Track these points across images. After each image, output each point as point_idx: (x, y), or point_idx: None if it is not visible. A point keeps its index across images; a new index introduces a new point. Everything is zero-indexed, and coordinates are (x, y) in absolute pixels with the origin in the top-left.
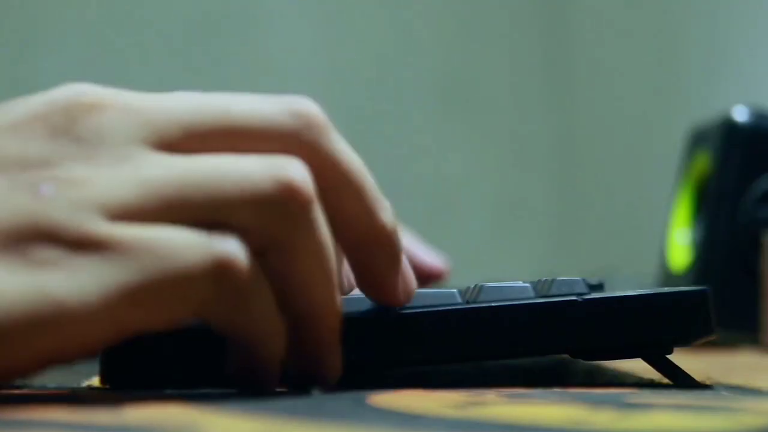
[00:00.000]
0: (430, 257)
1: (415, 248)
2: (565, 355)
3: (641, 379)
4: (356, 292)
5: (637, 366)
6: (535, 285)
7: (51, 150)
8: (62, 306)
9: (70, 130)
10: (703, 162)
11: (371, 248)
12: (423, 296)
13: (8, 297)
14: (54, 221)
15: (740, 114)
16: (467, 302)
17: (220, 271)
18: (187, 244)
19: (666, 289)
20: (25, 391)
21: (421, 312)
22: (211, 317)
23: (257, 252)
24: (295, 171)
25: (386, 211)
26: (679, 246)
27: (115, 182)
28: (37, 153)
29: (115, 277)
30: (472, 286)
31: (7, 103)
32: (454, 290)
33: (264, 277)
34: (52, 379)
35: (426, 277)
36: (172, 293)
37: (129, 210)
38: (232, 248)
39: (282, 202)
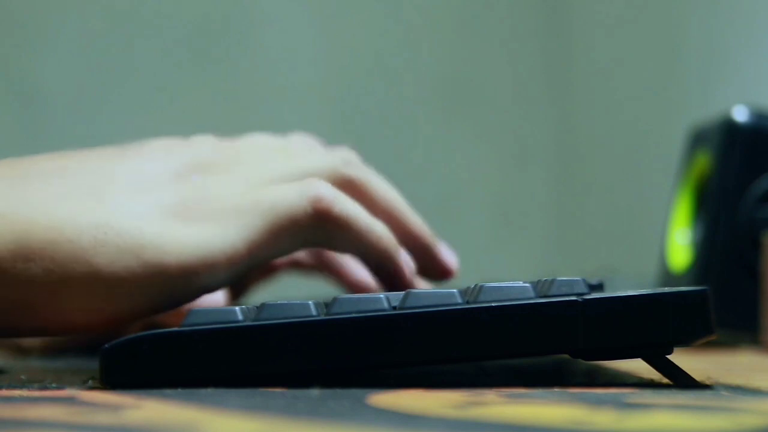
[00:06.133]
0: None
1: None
2: (565, 355)
3: (641, 379)
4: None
5: (637, 366)
6: (535, 285)
7: (192, 157)
8: (219, 249)
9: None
10: (703, 162)
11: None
12: (423, 296)
13: (185, 243)
14: (207, 194)
15: (740, 114)
16: (467, 302)
17: (314, 203)
18: (289, 191)
19: (666, 289)
20: (25, 391)
21: (421, 312)
22: (327, 243)
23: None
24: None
25: (416, 223)
26: (679, 246)
27: (243, 172)
28: (186, 160)
29: (248, 225)
30: (472, 286)
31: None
32: (454, 290)
33: (352, 199)
34: (52, 379)
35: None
36: (285, 228)
37: (251, 182)
38: (318, 186)
39: (340, 169)
